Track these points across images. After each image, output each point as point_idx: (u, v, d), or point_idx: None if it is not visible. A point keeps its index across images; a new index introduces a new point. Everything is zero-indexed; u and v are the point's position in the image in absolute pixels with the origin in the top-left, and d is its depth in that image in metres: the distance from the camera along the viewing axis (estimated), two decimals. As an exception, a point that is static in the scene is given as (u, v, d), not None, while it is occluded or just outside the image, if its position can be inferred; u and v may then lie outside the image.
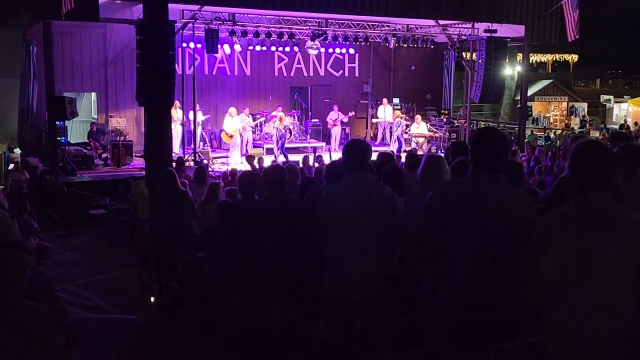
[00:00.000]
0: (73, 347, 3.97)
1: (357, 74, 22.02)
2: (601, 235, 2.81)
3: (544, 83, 35.84)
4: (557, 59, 40.95)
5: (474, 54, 19.16)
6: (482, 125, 23.62)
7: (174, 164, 12.21)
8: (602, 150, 2.95)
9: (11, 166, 14.42)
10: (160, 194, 7.43)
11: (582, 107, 34.86)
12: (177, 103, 15.51)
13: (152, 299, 7.53)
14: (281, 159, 16.18)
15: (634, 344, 2.88)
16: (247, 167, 14.81)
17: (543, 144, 21.81)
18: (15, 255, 3.29)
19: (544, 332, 2.98)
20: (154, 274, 7.69)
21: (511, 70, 25.95)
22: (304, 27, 17.75)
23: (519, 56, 21.58)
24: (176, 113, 15.86)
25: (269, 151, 17.59)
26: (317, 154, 15.92)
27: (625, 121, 31.07)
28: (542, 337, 3.03)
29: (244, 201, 5.67)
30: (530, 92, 29.33)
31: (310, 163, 13.24)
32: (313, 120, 20.02)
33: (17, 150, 16.34)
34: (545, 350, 2.96)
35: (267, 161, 13.97)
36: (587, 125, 30.75)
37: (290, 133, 18.26)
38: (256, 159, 12.83)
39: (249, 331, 5.33)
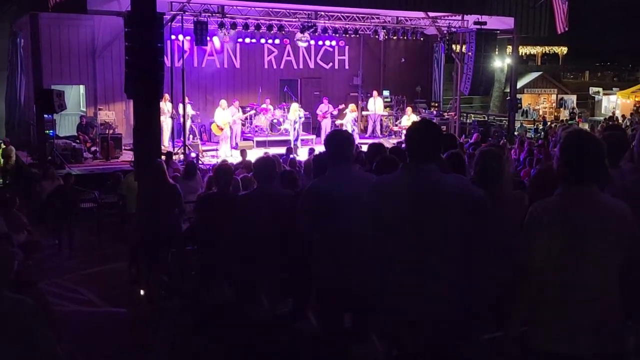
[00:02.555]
0: (59, 341, 3.95)
1: (347, 67, 21.99)
2: (588, 226, 2.82)
3: (534, 75, 35.96)
4: (547, 52, 41.13)
5: (463, 46, 19.18)
6: (472, 118, 23.69)
7: (163, 157, 12.21)
8: (591, 142, 2.92)
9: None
10: (149, 187, 7.38)
11: (571, 99, 35.03)
12: (166, 96, 15.44)
13: (142, 292, 7.51)
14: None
15: (621, 330, 2.91)
16: (236, 160, 14.84)
17: (533, 136, 21.92)
18: (1, 249, 3.27)
19: (529, 327, 2.96)
20: (143, 267, 7.67)
21: (501, 62, 26.06)
22: (294, 19, 17.71)
23: (509, 48, 21.62)
24: (165, 106, 15.79)
25: (259, 144, 17.59)
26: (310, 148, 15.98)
27: (614, 113, 31.26)
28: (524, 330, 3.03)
29: (235, 193, 5.66)
30: (519, 84, 29.44)
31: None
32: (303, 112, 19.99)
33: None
34: (530, 345, 2.95)
35: (258, 153, 13.96)
36: (577, 117, 30.89)
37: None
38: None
39: (238, 323, 5.33)
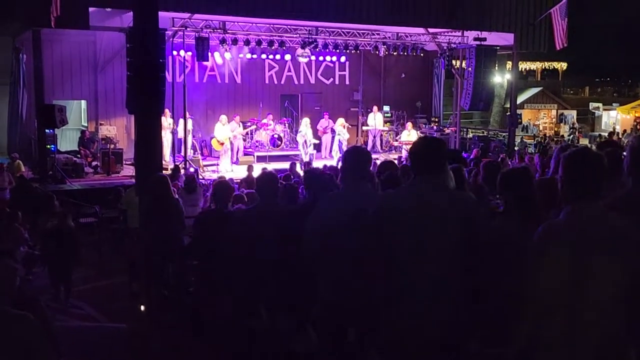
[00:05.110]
0: (60, 356, 3.96)
1: (347, 82, 22.09)
2: (596, 247, 2.80)
3: (534, 91, 36.04)
4: (546, 67, 41.23)
5: (463, 62, 19.27)
6: (472, 133, 23.73)
7: (169, 171, 12.22)
8: (595, 159, 2.92)
9: None
10: (152, 201, 7.35)
11: (572, 114, 35.09)
12: (167, 111, 15.50)
13: (142, 307, 7.50)
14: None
15: (625, 350, 2.90)
16: (236, 175, 14.87)
17: (533, 151, 21.95)
18: (4, 264, 3.28)
19: (532, 346, 2.94)
20: (143, 282, 7.66)
21: (501, 78, 26.17)
22: (295, 35, 17.80)
23: (509, 64, 21.72)
24: (166, 121, 15.85)
25: (260, 159, 17.63)
26: (305, 162, 16.02)
27: (614, 128, 31.30)
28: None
29: (232, 210, 5.68)
30: (519, 99, 29.52)
31: (298, 170, 13.31)
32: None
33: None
34: None
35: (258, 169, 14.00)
36: (577, 132, 30.95)
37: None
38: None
39: (239, 338, 5.32)
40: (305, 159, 17.22)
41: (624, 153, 3.86)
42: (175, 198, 7.52)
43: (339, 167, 8.69)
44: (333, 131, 19.37)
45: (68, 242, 8.59)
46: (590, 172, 2.87)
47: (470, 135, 23.25)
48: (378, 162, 8.54)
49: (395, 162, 12.50)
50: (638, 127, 30.93)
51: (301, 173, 13.54)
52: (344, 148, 18.02)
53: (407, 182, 3.73)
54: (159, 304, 7.04)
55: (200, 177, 15.04)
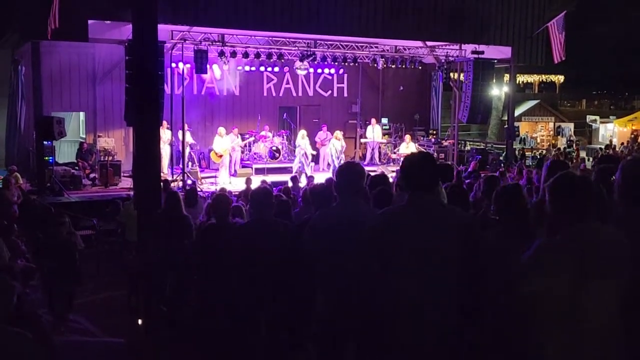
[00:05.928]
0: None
1: (345, 94, 22.11)
2: (595, 263, 2.83)
3: (531, 103, 36.15)
4: (544, 80, 41.43)
5: (461, 75, 19.32)
6: (469, 146, 23.76)
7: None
8: (582, 185, 2.96)
9: None
10: (161, 216, 7.25)
11: (569, 127, 35.17)
12: (165, 123, 15.49)
13: (140, 322, 7.44)
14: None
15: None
16: (234, 187, 14.84)
17: (530, 163, 21.98)
18: (1, 282, 3.25)
19: (532, 357, 2.96)
20: (141, 297, 7.60)
21: (498, 90, 26.23)
22: (293, 48, 17.85)
23: (506, 77, 21.81)
24: (164, 133, 15.84)
25: (258, 171, 17.61)
26: (305, 174, 15.97)
27: (611, 141, 31.39)
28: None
29: (233, 223, 5.66)
30: (517, 112, 29.53)
31: (300, 184, 13.26)
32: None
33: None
34: None
35: (257, 181, 13.97)
36: (574, 145, 31.01)
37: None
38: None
39: (238, 353, 5.29)
40: (308, 172, 17.19)
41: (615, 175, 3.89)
42: (185, 214, 7.42)
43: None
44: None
45: (67, 257, 8.25)
46: (579, 199, 2.92)
47: (468, 147, 23.27)
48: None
49: (393, 174, 12.53)
50: (638, 139, 30.99)
51: (301, 185, 13.52)
52: (341, 158, 18.04)
53: (402, 198, 3.75)
54: (157, 318, 6.99)
55: (199, 189, 15.01)
